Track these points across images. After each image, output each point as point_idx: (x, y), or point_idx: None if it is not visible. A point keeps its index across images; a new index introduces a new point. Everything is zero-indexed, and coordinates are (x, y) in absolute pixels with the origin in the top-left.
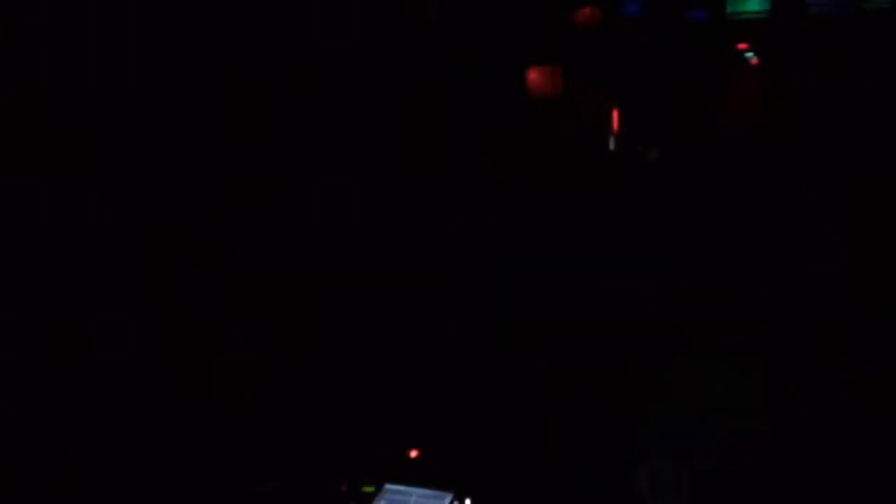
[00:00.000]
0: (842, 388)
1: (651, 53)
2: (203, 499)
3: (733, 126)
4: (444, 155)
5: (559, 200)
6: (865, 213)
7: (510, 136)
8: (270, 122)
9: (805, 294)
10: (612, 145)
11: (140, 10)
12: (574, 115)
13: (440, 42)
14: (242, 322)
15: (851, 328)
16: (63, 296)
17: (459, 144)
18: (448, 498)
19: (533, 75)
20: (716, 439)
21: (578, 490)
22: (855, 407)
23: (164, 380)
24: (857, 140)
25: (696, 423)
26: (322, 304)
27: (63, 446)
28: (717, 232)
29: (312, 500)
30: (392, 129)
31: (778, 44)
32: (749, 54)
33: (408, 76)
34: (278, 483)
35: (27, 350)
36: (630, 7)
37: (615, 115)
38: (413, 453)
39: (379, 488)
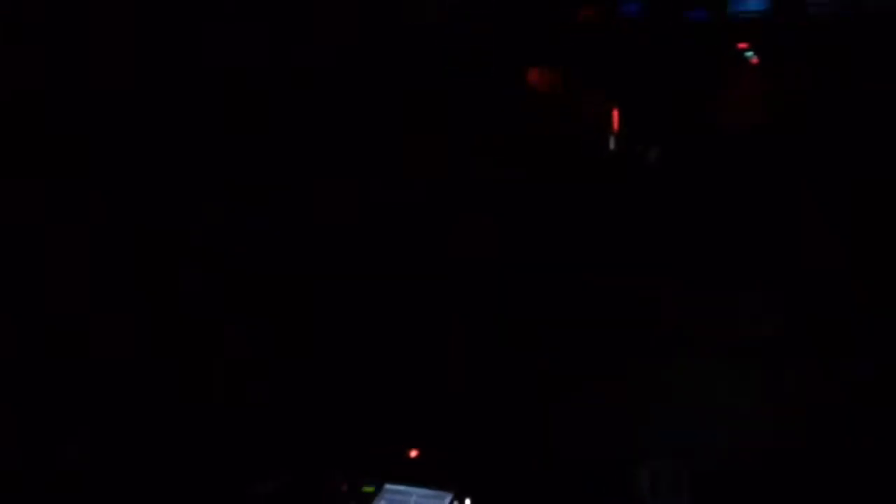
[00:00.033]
0: (842, 388)
1: (651, 53)
2: (203, 499)
3: (733, 126)
4: (444, 155)
5: (559, 200)
6: (865, 213)
7: (510, 136)
8: (270, 122)
9: (805, 294)
10: (612, 145)
11: (140, 10)
12: (574, 115)
13: (440, 42)
14: (242, 322)
15: (851, 328)
16: (63, 296)
17: (459, 144)
18: (448, 498)
19: (534, 75)
20: (716, 439)
21: (578, 490)
22: (855, 407)
23: (164, 380)
24: (857, 140)
25: (696, 423)
26: (322, 304)
27: (63, 446)
28: (717, 232)
29: (312, 500)
30: (392, 129)
31: (778, 44)
32: (749, 54)
33: (408, 76)
34: (278, 483)
35: (27, 350)
36: (630, 7)
37: (615, 115)
38: (413, 453)
39: (379, 488)
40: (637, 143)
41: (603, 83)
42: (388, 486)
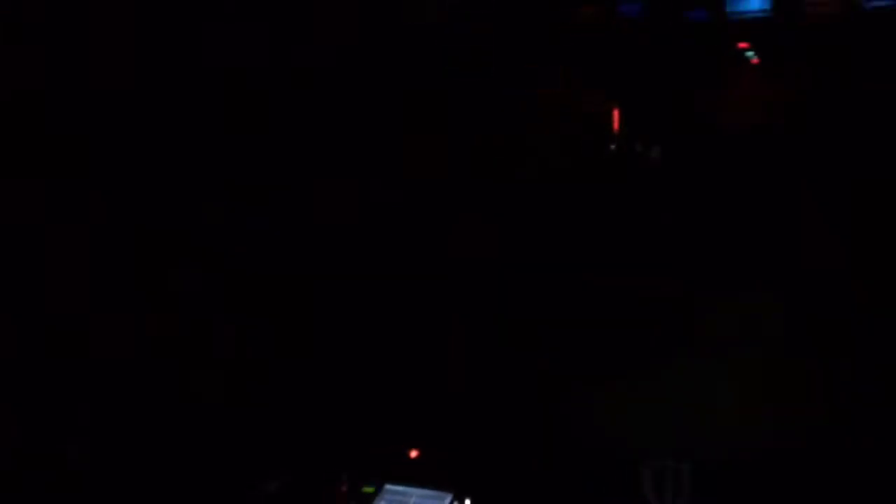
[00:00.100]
0: (842, 388)
1: (651, 53)
2: (205, 499)
3: (733, 126)
4: (444, 155)
5: (559, 200)
6: (865, 213)
7: (510, 136)
8: (270, 122)
9: (805, 294)
10: (612, 145)
11: (140, 10)
12: (574, 115)
13: (440, 42)
14: (243, 322)
15: (851, 328)
16: (63, 296)
17: (459, 144)
18: (448, 498)
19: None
20: (716, 439)
21: (579, 490)
22: (855, 407)
23: (165, 380)
24: (857, 140)
25: (697, 422)
26: (322, 304)
27: (63, 446)
28: (717, 232)
29: (313, 500)
30: (392, 129)
31: (778, 44)
32: (749, 54)
33: (408, 76)
34: (279, 483)
35: (27, 350)
36: (630, 7)
37: (615, 115)
38: (413, 453)
39: (379, 488)
40: (637, 143)
41: (603, 83)
42: (388, 487)
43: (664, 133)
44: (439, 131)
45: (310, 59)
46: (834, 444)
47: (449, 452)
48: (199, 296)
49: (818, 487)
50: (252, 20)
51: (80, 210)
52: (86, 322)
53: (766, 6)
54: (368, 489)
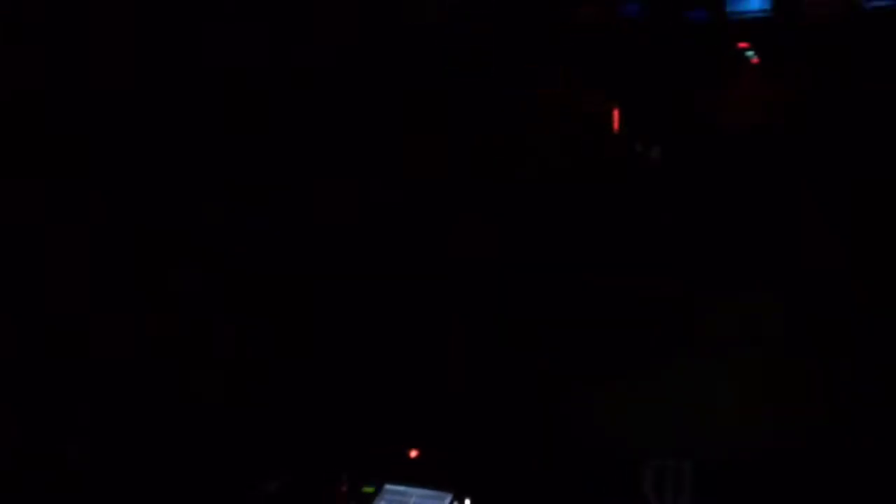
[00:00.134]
0: (842, 388)
1: (651, 53)
2: (205, 499)
3: (733, 126)
4: (444, 155)
5: (559, 200)
6: (865, 213)
7: (510, 136)
8: (270, 122)
9: (805, 294)
10: (612, 145)
11: (140, 10)
12: (574, 115)
13: (440, 42)
14: (242, 322)
15: (851, 328)
16: (63, 296)
17: (459, 144)
18: (448, 498)
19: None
20: (716, 439)
21: (579, 490)
22: (855, 407)
23: (164, 380)
24: (857, 140)
25: (697, 422)
26: (322, 304)
27: (63, 446)
28: (717, 232)
29: (313, 500)
30: (392, 129)
31: (778, 44)
32: (749, 54)
33: (408, 76)
34: (279, 483)
35: (27, 350)
36: (630, 7)
37: (615, 115)
38: (413, 453)
39: (379, 488)
40: (637, 143)
41: (603, 83)
42: (388, 487)
43: (664, 133)
44: (439, 131)
45: (310, 59)
46: (834, 444)
47: (449, 452)
48: (199, 296)
49: (818, 487)
50: (252, 20)
51: (80, 210)
52: (86, 322)
53: (766, 6)
54: (368, 489)
